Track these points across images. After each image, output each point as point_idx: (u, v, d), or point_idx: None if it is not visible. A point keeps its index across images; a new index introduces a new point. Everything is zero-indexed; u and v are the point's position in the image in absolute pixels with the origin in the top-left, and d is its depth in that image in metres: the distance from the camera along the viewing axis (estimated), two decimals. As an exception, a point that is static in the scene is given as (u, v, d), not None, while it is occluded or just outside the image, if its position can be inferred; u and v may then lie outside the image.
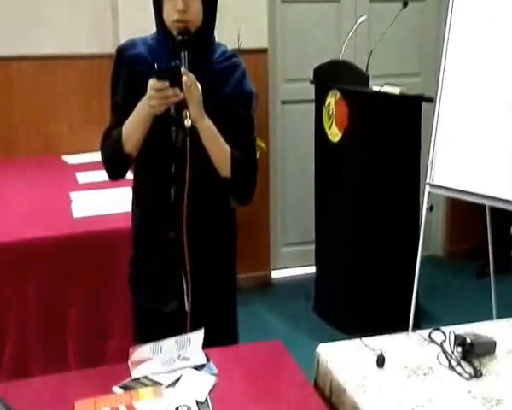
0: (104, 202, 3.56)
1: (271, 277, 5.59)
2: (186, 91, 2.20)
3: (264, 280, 5.47)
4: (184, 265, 2.37)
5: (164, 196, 2.40)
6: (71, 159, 4.62)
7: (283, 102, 5.48)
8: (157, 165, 2.41)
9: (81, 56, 4.84)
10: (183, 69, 2.20)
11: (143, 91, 2.24)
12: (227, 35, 4.65)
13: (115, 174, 2.46)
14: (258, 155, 4.61)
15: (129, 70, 2.39)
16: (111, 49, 4.58)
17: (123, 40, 2.53)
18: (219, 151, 2.35)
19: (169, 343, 2.19)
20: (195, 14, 2.29)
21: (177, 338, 2.20)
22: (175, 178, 2.36)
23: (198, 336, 2.22)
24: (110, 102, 2.46)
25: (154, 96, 2.20)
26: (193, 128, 2.25)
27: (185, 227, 2.34)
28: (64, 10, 4.80)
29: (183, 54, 2.23)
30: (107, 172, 2.46)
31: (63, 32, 4.80)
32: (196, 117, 2.25)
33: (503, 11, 3.76)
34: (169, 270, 2.46)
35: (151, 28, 2.43)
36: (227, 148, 2.35)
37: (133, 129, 2.32)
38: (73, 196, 3.71)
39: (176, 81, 2.19)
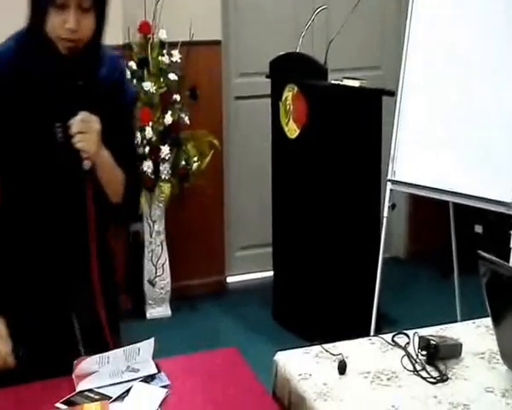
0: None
1: (227, 282, 5.41)
2: (81, 140, 2.07)
3: (218, 286, 5.29)
4: None
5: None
6: None
7: (237, 98, 5.33)
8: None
9: None
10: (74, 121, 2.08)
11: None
12: (179, 27, 4.58)
13: None
14: (211, 154, 4.59)
15: None
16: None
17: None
18: (115, 178, 2.24)
19: (117, 354, 2.08)
20: (87, 30, 2.09)
21: (126, 348, 2.09)
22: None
23: (148, 346, 2.11)
24: None
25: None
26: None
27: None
28: None
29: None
30: None
31: None
32: (95, 153, 2.12)
33: (466, 3, 3.75)
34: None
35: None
36: (120, 173, 2.24)
37: None
38: None
39: None
